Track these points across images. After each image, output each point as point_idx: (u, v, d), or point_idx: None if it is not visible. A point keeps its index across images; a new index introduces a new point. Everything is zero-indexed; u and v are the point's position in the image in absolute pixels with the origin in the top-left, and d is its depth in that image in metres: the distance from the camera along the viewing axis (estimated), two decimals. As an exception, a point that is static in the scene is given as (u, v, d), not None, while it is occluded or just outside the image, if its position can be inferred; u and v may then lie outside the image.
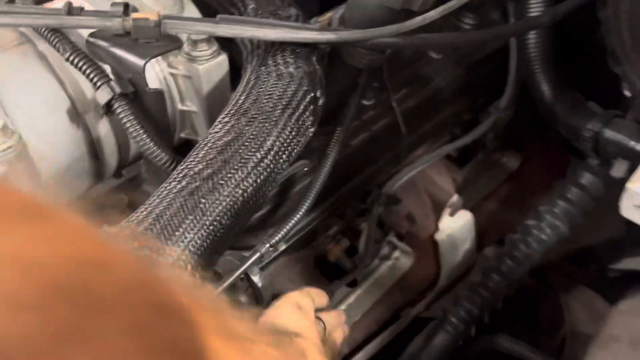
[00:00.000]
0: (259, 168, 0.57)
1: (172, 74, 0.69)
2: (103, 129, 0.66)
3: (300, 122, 0.60)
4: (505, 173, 1.28)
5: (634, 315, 0.47)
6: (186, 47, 0.66)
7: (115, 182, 0.77)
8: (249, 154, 0.57)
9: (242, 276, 0.75)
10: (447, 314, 1.06)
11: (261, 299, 0.78)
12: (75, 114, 0.64)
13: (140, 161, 0.76)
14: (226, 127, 0.59)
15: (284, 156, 0.59)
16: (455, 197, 1.05)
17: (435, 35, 0.71)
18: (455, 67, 1.04)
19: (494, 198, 1.26)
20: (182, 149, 0.73)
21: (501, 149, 1.28)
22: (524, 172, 1.28)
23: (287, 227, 0.74)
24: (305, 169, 0.80)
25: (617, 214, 1.09)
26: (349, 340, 1.05)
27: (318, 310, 0.72)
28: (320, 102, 0.63)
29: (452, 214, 1.13)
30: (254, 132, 0.58)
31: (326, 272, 1.06)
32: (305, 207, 0.75)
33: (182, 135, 0.74)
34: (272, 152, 0.58)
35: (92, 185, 0.71)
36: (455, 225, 1.15)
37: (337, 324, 0.76)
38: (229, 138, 0.57)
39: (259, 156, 0.58)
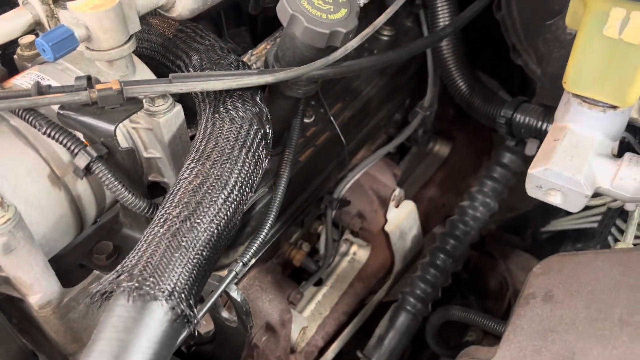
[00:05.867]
0: (227, 203, 0.67)
1: (134, 128, 0.78)
2: (82, 187, 0.74)
3: (256, 157, 0.71)
4: (439, 161, 1.42)
5: (545, 274, 0.60)
6: (145, 104, 0.75)
7: (91, 227, 0.85)
8: (217, 192, 0.67)
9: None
10: (405, 295, 1.19)
11: (241, 311, 0.88)
12: (56, 178, 0.72)
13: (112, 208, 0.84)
14: (194, 172, 0.68)
15: (247, 189, 0.70)
16: (397, 191, 1.17)
17: (357, 62, 0.82)
18: (381, 76, 1.16)
19: (431, 185, 1.40)
20: (150, 189, 0.82)
21: (433, 140, 1.42)
22: (454, 159, 1.42)
23: (257, 244, 0.84)
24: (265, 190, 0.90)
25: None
26: (322, 335, 1.16)
27: None
28: (270, 135, 0.74)
29: (397, 206, 1.25)
30: (218, 173, 0.68)
31: (294, 276, 1.17)
32: (268, 224, 0.85)
33: (150, 178, 0.83)
34: (236, 188, 0.69)
35: (75, 237, 0.79)
36: (402, 215, 1.28)
37: None
38: (198, 182, 0.67)
39: (226, 193, 0.68)
